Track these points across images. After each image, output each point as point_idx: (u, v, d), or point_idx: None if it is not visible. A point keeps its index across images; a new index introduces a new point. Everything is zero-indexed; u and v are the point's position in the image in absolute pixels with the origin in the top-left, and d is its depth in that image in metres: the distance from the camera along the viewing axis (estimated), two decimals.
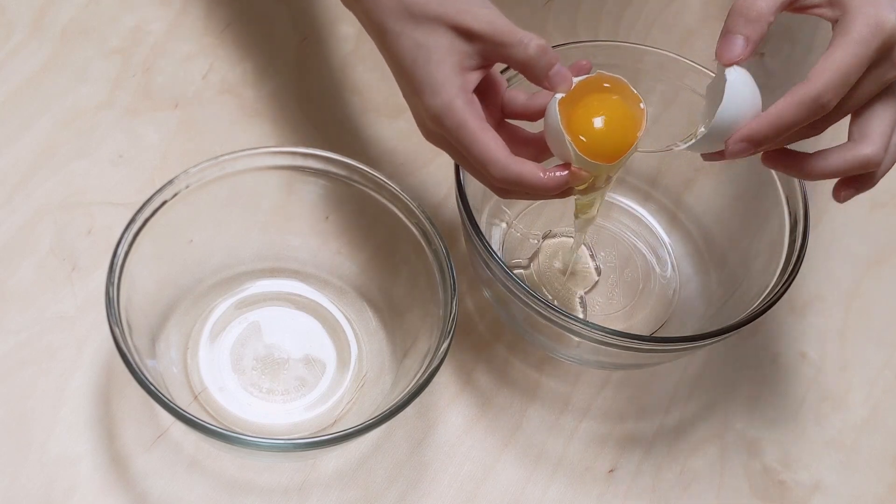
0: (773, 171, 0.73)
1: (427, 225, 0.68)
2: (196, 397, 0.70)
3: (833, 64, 0.58)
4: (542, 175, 0.60)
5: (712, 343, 0.69)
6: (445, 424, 0.72)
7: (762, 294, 0.70)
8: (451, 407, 0.73)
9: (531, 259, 0.79)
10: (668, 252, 0.81)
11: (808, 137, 0.62)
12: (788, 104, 0.58)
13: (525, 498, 0.71)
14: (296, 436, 0.69)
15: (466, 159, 0.61)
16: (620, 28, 0.91)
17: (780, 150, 0.63)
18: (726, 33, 0.60)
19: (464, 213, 0.69)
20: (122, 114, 0.81)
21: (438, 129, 0.61)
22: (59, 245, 0.75)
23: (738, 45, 0.60)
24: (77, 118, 0.80)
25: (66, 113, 0.80)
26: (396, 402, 0.62)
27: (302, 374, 0.72)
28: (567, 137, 0.61)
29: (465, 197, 0.69)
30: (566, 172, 0.61)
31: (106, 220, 0.76)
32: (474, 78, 0.61)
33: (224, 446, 0.63)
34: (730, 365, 0.78)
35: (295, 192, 0.72)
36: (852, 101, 0.60)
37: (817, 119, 0.60)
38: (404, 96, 0.64)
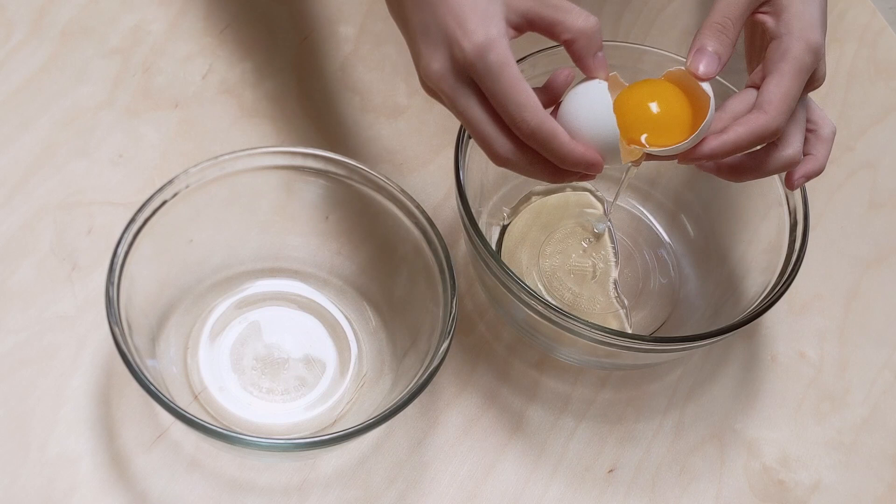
0: None
1: (427, 225, 0.68)
2: (196, 397, 0.70)
3: (784, 94, 0.62)
4: (573, 143, 0.59)
5: (712, 343, 0.69)
6: (445, 424, 0.72)
7: (762, 294, 0.70)
8: (451, 407, 0.73)
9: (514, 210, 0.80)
10: (668, 252, 0.81)
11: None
12: (746, 132, 0.62)
13: (525, 498, 0.71)
14: (296, 436, 0.69)
15: (495, 105, 0.58)
16: (620, 28, 0.91)
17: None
18: (702, 49, 0.63)
19: (464, 213, 0.69)
20: (122, 114, 0.81)
21: (476, 63, 0.57)
22: (59, 245, 0.75)
23: (716, 62, 0.63)
24: (77, 118, 0.80)
25: (65, 113, 0.80)
26: (396, 402, 0.62)
27: (302, 373, 0.72)
28: (617, 125, 0.60)
29: (465, 197, 0.69)
30: (595, 154, 0.60)
31: (106, 220, 0.76)
32: (511, 34, 0.60)
33: (224, 446, 0.63)
34: (730, 365, 0.78)
35: (295, 192, 0.72)
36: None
37: None
38: (422, 30, 0.59)
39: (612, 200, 0.78)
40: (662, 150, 0.63)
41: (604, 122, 0.61)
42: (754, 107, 0.63)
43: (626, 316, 0.77)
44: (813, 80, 0.65)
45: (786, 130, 0.64)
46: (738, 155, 0.64)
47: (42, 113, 0.80)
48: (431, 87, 0.61)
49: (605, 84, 0.61)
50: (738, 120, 0.63)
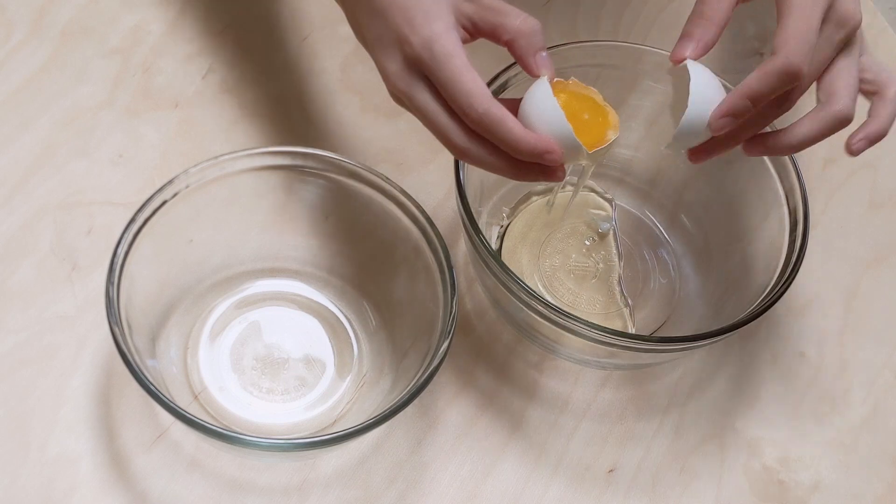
0: (774, 171, 0.74)
1: (427, 225, 0.68)
2: (196, 397, 0.70)
3: (793, 31, 0.59)
4: (524, 130, 0.59)
5: (712, 343, 0.69)
6: (445, 424, 0.72)
7: (762, 294, 0.70)
8: (451, 407, 0.73)
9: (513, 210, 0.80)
10: (668, 252, 0.81)
11: (781, 114, 0.63)
12: (760, 75, 0.59)
13: (525, 498, 0.71)
14: (296, 436, 0.69)
15: (445, 96, 0.59)
16: (620, 28, 0.91)
17: (759, 135, 0.63)
18: (683, 36, 0.63)
19: (464, 213, 0.69)
20: (122, 114, 0.81)
21: (424, 55, 0.59)
22: (59, 245, 0.75)
23: (691, 45, 0.62)
24: (77, 118, 0.80)
25: (65, 113, 0.80)
26: (396, 402, 0.62)
27: (302, 373, 0.72)
28: (562, 113, 0.60)
29: (465, 197, 0.69)
30: (550, 141, 0.59)
31: (106, 220, 0.76)
32: (461, 34, 0.60)
33: (224, 446, 0.63)
34: (729, 365, 0.78)
35: (295, 192, 0.72)
36: (813, 67, 0.61)
37: (787, 91, 0.61)
38: (376, 37, 0.61)
39: (574, 191, 0.76)
40: (687, 142, 0.62)
41: (552, 119, 0.60)
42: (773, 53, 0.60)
43: (630, 315, 0.77)
44: (839, 18, 0.61)
45: (829, 86, 0.61)
46: (788, 126, 0.62)
47: (42, 113, 0.80)
48: (395, 94, 0.62)
49: (545, 79, 0.61)
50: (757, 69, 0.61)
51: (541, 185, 0.82)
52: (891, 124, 0.64)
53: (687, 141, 0.63)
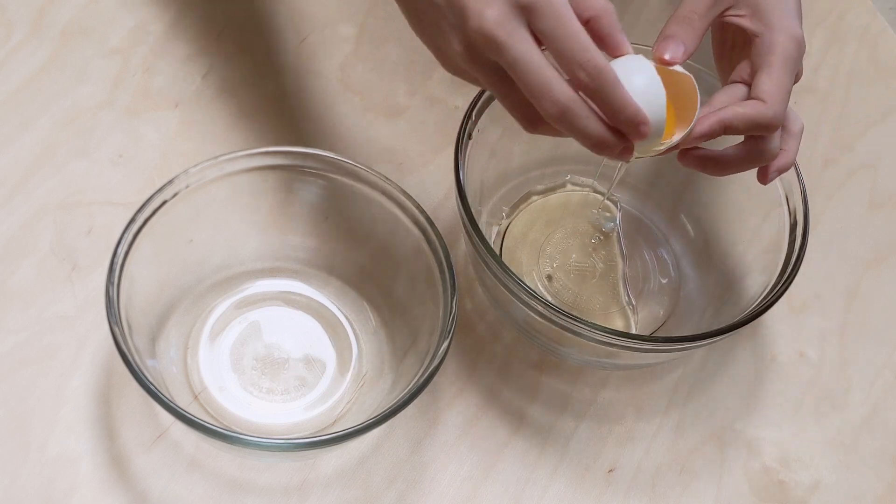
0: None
1: (427, 225, 0.68)
2: (196, 397, 0.70)
3: (779, 86, 0.63)
4: (629, 94, 0.57)
5: (712, 343, 0.69)
6: (445, 424, 0.72)
7: (762, 294, 0.70)
8: (451, 407, 0.73)
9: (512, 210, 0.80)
10: (668, 252, 0.81)
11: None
12: (745, 113, 0.62)
13: (525, 498, 0.71)
14: (296, 436, 0.69)
15: (558, 45, 0.56)
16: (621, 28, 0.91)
17: (699, 152, 0.65)
18: (667, 37, 0.64)
19: (464, 213, 0.69)
20: (122, 114, 0.81)
21: (538, 4, 0.56)
22: (59, 245, 0.75)
23: (676, 48, 0.64)
24: (77, 118, 0.80)
25: (66, 113, 0.80)
26: (396, 402, 0.62)
27: (302, 373, 0.72)
28: (665, 95, 0.59)
29: (465, 197, 0.69)
30: (645, 112, 0.58)
31: (106, 220, 0.76)
32: None
33: (224, 446, 0.63)
34: (729, 365, 0.78)
35: (295, 192, 0.72)
36: None
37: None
38: (433, 23, 0.59)
39: (605, 195, 0.77)
40: (665, 143, 0.62)
41: (655, 98, 0.59)
42: (751, 98, 0.63)
43: (634, 315, 0.77)
44: (797, 78, 0.65)
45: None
46: (726, 148, 0.64)
47: (42, 113, 0.80)
48: (482, 41, 0.58)
49: (643, 57, 0.60)
50: (735, 102, 0.63)
51: (541, 185, 0.82)
52: (795, 156, 0.67)
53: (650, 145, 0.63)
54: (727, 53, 0.68)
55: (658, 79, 0.59)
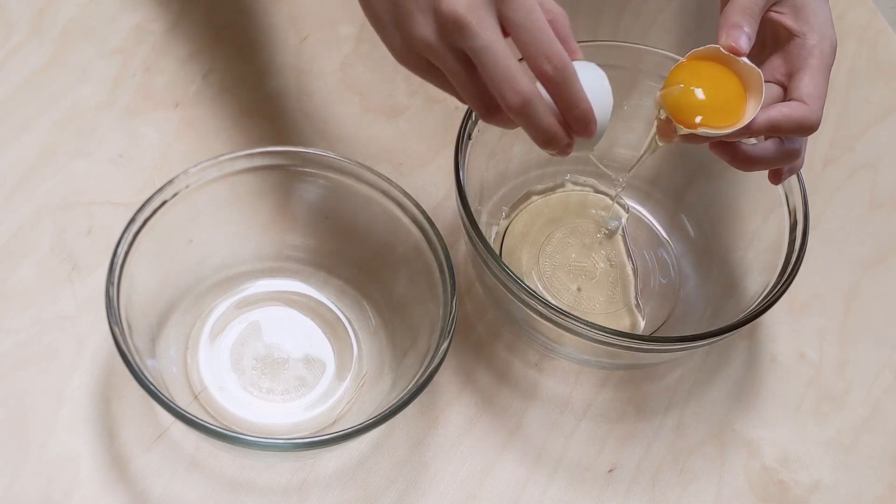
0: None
1: (427, 225, 0.68)
2: (196, 397, 0.70)
3: (820, 90, 0.64)
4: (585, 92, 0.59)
5: (712, 343, 0.69)
6: (445, 424, 0.72)
7: (762, 294, 0.70)
8: (451, 407, 0.73)
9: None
10: (668, 252, 0.81)
11: None
12: (791, 116, 0.63)
13: (525, 498, 0.71)
14: (296, 436, 0.69)
15: (522, 40, 0.58)
16: (620, 28, 0.91)
17: (729, 143, 0.65)
18: (735, 25, 0.64)
19: (464, 213, 0.69)
20: (122, 114, 0.81)
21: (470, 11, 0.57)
22: (59, 245, 0.75)
23: (746, 39, 0.64)
24: (77, 118, 0.80)
25: (66, 113, 0.80)
26: (396, 402, 0.62)
27: (302, 373, 0.72)
28: (612, 100, 0.61)
29: (465, 197, 0.69)
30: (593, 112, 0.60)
31: (106, 219, 0.76)
32: None
33: (224, 446, 0.63)
34: (729, 365, 0.78)
35: (295, 192, 0.72)
36: None
37: None
38: (399, 2, 0.60)
39: (625, 178, 0.76)
40: (718, 131, 0.63)
41: (604, 101, 0.60)
42: (792, 99, 0.64)
43: (641, 313, 0.77)
44: None
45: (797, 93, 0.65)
46: (756, 145, 0.65)
47: (42, 113, 0.80)
48: (452, 24, 0.58)
49: (593, 64, 0.61)
50: (781, 102, 0.64)
51: (541, 185, 0.82)
52: (804, 157, 0.68)
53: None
54: (757, 49, 0.67)
55: (608, 86, 0.60)
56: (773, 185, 0.74)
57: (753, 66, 0.64)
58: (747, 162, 0.65)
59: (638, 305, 0.78)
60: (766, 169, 0.67)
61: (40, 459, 0.68)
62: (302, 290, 0.75)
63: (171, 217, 0.67)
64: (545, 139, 0.60)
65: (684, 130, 0.63)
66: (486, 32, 0.58)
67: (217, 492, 0.68)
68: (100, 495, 0.67)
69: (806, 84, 0.64)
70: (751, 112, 0.63)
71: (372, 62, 0.86)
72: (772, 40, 0.67)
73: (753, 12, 0.64)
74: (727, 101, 0.63)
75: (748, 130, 0.63)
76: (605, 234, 0.80)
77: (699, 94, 0.63)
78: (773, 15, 0.66)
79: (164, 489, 0.68)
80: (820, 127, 0.65)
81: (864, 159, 0.89)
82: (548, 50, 0.58)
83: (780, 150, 0.65)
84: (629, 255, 0.80)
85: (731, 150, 0.65)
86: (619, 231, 0.80)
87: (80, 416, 0.69)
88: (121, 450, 0.68)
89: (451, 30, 0.58)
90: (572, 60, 0.60)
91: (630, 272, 0.79)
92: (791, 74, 0.65)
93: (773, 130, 0.63)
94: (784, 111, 0.63)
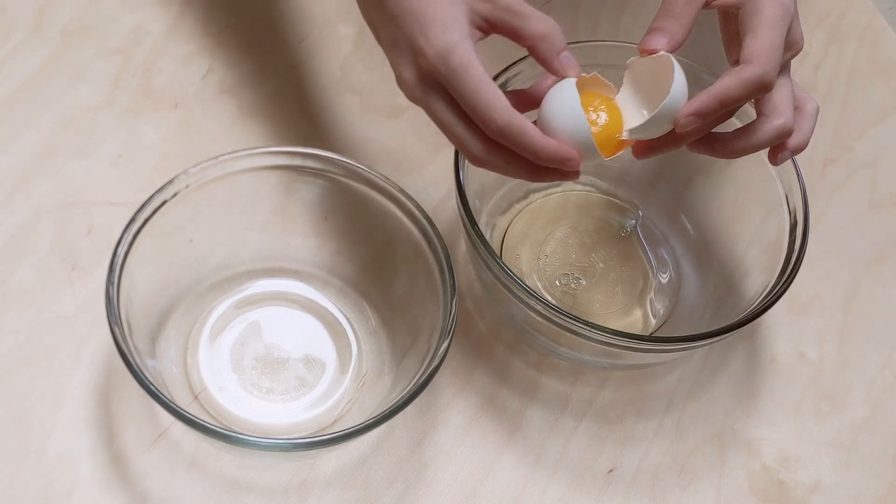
0: (773, 171, 0.74)
1: (427, 225, 0.68)
2: (196, 397, 0.70)
3: (766, 44, 0.62)
4: (545, 139, 0.59)
5: (712, 343, 0.69)
6: (445, 424, 0.72)
7: (762, 294, 0.70)
8: (451, 407, 0.73)
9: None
10: (668, 252, 0.81)
11: (726, 120, 0.65)
12: (735, 82, 0.61)
13: (525, 498, 0.71)
14: (296, 436, 0.69)
15: (463, 107, 0.59)
16: (620, 28, 0.91)
17: (707, 135, 0.64)
18: (650, 31, 0.64)
19: (464, 213, 0.69)
20: (122, 114, 0.81)
21: (440, 68, 0.58)
22: (59, 245, 0.75)
23: (663, 38, 0.64)
24: (77, 118, 0.80)
25: (66, 113, 0.80)
26: (396, 402, 0.62)
27: (302, 373, 0.72)
28: (587, 121, 0.60)
29: (465, 197, 0.69)
30: (570, 149, 0.59)
31: (106, 219, 0.76)
32: (477, 37, 0.60)
33: (224, 446, 0.63)
34: (729, 365, 0.78)
35: (295, 192, 0.72)
36: None
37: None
38: (391, 42, 0.61)
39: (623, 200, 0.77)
40: (646, 132, 0.62)
41: (574, 120, 0.60)
42: (740, 62, 0.62)
43: (653, 313, 0.77)
44: (791, 42, 0.64)
45: (775, 100, 0.64)
46: (734, 130, 0.64)
47: (42, 113, 0.80)
48: (411, 98, 0.62)
49: (573, 82, 0.61)
50: (724, 73, 0.62)
51: (541, 185, 0.82)
52: (810, 136, 0.66)
53: (649, 131, 0.63)
54: (733, 42, 0.67)
55: (577, 104, 0.60)
56: (773, 185, 0.74)
57: (663, 53, 0.63)
58: (728, 148, 0.64)
59: (652, 305, 0.78)
60: (754, 152, 0.65)
61: (40, 459, 0.68)
62: (302, 290, 0.75)
63: (171, 217, 0.67)
64: (530, 179, 0.61)
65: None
66: (431, 108, 0.61)
67: (217, 492, 0.68)
68: (100, 495, 0.67)
69: (747, 45, 0.62)
70: (666, 99, 0.61)
71: (372, 62, 0.86)
72: (735, 28, 0.65)
73: (673, 11, 0.64)
74: (612, 119, 0.63)
75: (688, 113, 0.61)
76: (626, 232, 0.80)
77: (614, 110, 0.63)
78: (719, 2, 0.65)
79: (164, 489, 0.68)
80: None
81: (864, 159, 0.89)
82: (482, 115, 0.58)
83: (760, 129, 0.64)
84: (646, 256, 0.80)
85: (708, 142, 0.64)
86: (634, 232, 0.80)
87: (80, 416, 0.69)
88: (121, 450, 0.68)
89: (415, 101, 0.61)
90: (566, 77, 0.60)
91: (648, 271, 0.79)
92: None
93: (724, 103, 0.61)
94: (724, 79, 0.61)
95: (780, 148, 0.65)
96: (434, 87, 0.60)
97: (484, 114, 0.58)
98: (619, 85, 0.65)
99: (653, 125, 0.62)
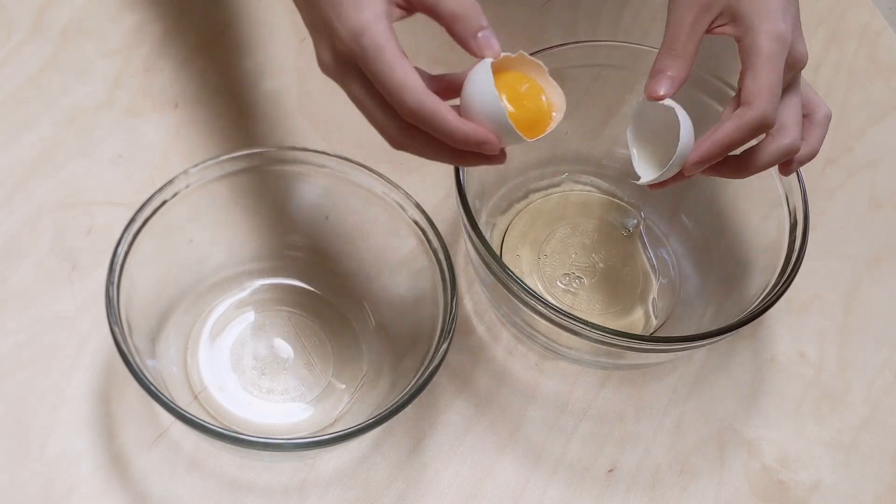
0: (773, 171, 0.74)
1: (427, 225, 0.68)
2: (196, 397, 0.70)
3: (765, 84, 0.63)
4: (459, 121, 0.57)
5: (712, 343, 0.69)
6: (445, 424, 0.72)
7: (762, 294, 0.70)
8: (451, 407, 0.73)
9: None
10: (668, 252, 0.81)
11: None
12: (735, 127, 0.63)
13: (525, 498, 0.71)
14: (296, 436, 0.69)
15: (377, 89, 0.57)
16: (620, 28, 0.91)
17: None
18: (655, 73, 0.65)
19: (464, 213, 0.69)
20: (122, 114, 0.81)
21: (353, 49, 0.57)
22: (59, 245, 0.75)
23: (667, 83, 0.64)
24: (77, 118, 0.80)
25: (66, 113, 0.80)
26: (396, 402, 0.62)
27: (302, 373, 0.72)
28: (502, 103, 0.57)
29: (465, 197, 0.69)
30: (486, 132, 0.57)
31: (106, 219, 0.76)
32: (397, 14, 0.59)
33: (224, 446, 0.63)
34: (729, 365, 0.78)
35: (295, 192, 0.72)
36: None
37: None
38: (311, 24, 0.60)
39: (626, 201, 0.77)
40: (657, 177, 0.64)
41: (490, 104, 0.57)
42: (740, 104, 0.63)
43: (655, 313, 0.77)
44: (793, 62, 0.65)
45: (781, 119, 0.64)
46: (741, 153, 0.65)
47: (42, 113, 0.80)
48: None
49: (488, 63, 0.58)
50: (726, 119, 0.63)
51: (541, 185, 0.82)
52: (820, 145, 0.67)
53: (664, 175, 0.65)
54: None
55: (490, 86, 0.58)
56: (773, 186, 0.74)
57: (670, 105, 0.64)
58: (736, 172, 0.66)
59: (652, 305, 0.78)
60: (762, 171, 0.66)
61: (40, 459, 0.68)
62: (302, 290, 0.75)
63: (171, 217, 0.67)
64: (451, 163, 0.60)
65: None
66: (349, 91, 0.59)
67: (217, 492, 0.68)
68: (100, 495, 0.67)
69: (746, 84, 0.63)
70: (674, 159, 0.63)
71: None
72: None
73: (676, 49, 0.65)
74: (534, 100, 0.61)
75: (694, 161, 0.63)
76: (629, 232, 0.80)
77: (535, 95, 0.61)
78: (718, 30, 0.66)
79: (164, 489, 0.68)
80: None
81: (864, 159, 0.89)
82: (394, 96, 0.57)
83: (767, 150, 0.65)
84: (647, 257, 0.80)
85: (716, 167, 0.65)
86: (636, 231, 0.81)
87: (80, 416, 0.69)
88: (121, 450, 0.68)
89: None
90: (495, 55, 0.58)
91: (649, 271, 0.79)
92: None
93: (729, 147, 0.63)
94: (725, 126, 0.63)
95: (789, 162, 0.66)
96: (350, 68, 0.59)
97: (396, 95, 0.56)
98: (626, 125, 0.66)
99: (665, 174, 0.64)
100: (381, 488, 0.70)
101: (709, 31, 0.66)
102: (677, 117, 0.63)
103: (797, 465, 0.75)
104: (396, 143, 0.60)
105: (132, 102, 0.81)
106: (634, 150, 0.67)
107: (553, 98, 0.61)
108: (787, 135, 0.65)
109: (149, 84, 0.82)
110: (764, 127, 0.63)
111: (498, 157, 0.60)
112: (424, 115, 0.57)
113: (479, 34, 0.58)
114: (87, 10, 0.85)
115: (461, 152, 0.59)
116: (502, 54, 0.59)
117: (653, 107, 0.65)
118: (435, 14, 0.58)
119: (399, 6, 0.59)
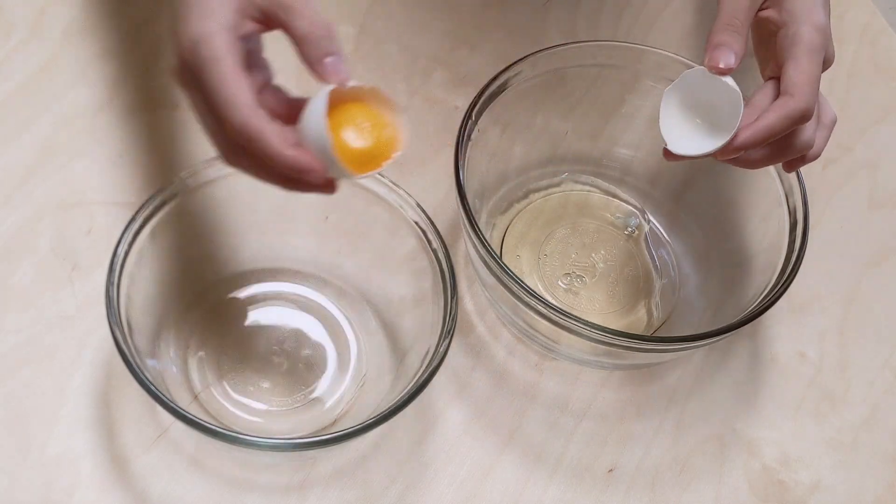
0: (774, 171, 0.74)
1: (427, 225, 0.68)
2: (196, 397, 0.70)
3: (807, 76, 0.63)
4: (283, 145, 0.55)
5: (712, 343, 0.69)
6: (445, 424, 0.72)
7: (762, 294, 0.70)
8: (450, 407, 0.73)
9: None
10: (668, 252, 0.81)
11: None
12: (779, 117, 0.63)
13: (525, 498, 0.71)
14: (296, 436, 0.69)
15: (208, 103, 0.55)
16: (620, 28, 0.91)
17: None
18: (718, 45, 0.64)
19: (464, 213, 0.69)
20: (122, 114, 0.81)
21: (191, 59, 0.55)
22: (59, 245, 0.75)
23: (732, 57, 0.64)
24: (77, 118, 0.80)
25: (66, 113, 0.80)
26: (396, 402, 0.62)
27: (302, 374, 0.72)
28: (328, 134, 0.56)
29: (465, 197, 0.69)
30: (310, 160, 0.55)
31: (106, 220, 0.76)
32: (249, 28, 0.57)
33: (224, 446, 0.63)
34: (729, 365, 0.78)
35: (295, 191, 0.72)
36: None
37: None
38: (171, 29, 0.58)
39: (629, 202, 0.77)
40: (699, 152, 0.64)
41: (318, 134, 0.56)
42: (780, 93, 0.64)
43: (657, 312, 0.77)
44: (827, 62, 0.66)
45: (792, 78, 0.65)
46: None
47: (42, 113, 0.80)
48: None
49: (327, 91, 0.56)
50: (768, 108, 0.64)
51: (541, 185, 0.82)
52: (824, 146, 0.68)
53: (703, 149, 0.65)
54: (763, 45, 0.68)
55: (321, 115, 0.56)
56: (773, 186, 0.74)
57: (736, 91, 0.64)
58: (748, 162, 0.66)
59: (657, 305, 0.78)
60: (772, 164, 0.67)
61: (40, 459, 0.68)
62: (302, 290, 0.75)
63: (171, 217, 0.67)
64: (280, 187, 0.57)
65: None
66: (188, 99, 0.57)
67: (217, 492, 0.68)
68: (100, 495, 0.67)
69: (789, 74, 0.64)
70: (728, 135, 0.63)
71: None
72: (768, 38, 0.67)
73: (735, 25, 0.65)
74: (373, 135, 0.59)
75: (738, 146, 0.63)
76: (633, 233, 0.80)
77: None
78: (762, 13, 0.67)
79: (164, 489, 0.68)
80: None
81: (864, 159, 0.89)
82: (221, 113, 0.55)
83: (780, 144, 0.65)
84: (651, 257, 0.80)
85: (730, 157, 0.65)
86: (637, 231, 0.80)
87: (80, 416, 0.69)
88: (121, 450, 0.68)
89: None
90: (341, 83, 0.56)
91: (649, 270, 0.79)
92: (780, 67, 0.65)
93: (771, 136, 0.63)
94: (769, 116, 0.63)
95: (797, 160, 0.67)
96: (190, 76, 0.56)
97: (222, 111, 0.55)
98: (664, 85, 0.66)
99: (704, 152, 0.64)
100: (381, 488, 0.70)
101: (757, 13, 0.66)
102: (737, 97, 0.63)
103: (797, 464, 0.75)
104: (227, 160, 0.58)
105: (132, 102, 0.81)
106: (669, 118, 0.67)
107: (395, 136, 0.59)
108: (807, 128, 0.65)
109: (148, 84, 0.82)
110: (804, 119, 0.63)
111: (325, 186, 0.57)
112: (249, 134, 0.55)
113: (327, 59, 0.57)
114: (87, 10, 0.85)
115: (289, 178, 0.57)
116: (352, 84, 0.57)
117: (706, 80, 0.65)
118: (287, 33, 0.57)
119: (254, 19, 0.57)
